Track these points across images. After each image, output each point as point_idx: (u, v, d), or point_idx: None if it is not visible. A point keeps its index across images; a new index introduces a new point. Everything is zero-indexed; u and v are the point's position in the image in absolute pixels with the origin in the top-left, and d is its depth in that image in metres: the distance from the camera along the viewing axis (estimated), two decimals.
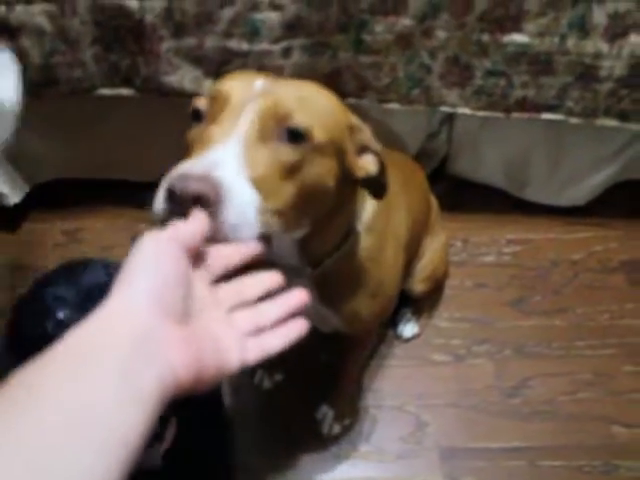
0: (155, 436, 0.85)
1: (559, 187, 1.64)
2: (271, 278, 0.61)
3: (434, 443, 1.32)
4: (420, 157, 1.60)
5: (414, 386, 1.40)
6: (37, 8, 1.19)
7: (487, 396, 1.39)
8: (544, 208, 1.69)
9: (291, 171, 0.64)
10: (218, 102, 0.66)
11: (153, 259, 0.49)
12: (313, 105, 0.68)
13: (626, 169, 1.61)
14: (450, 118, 1.54)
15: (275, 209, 0.62)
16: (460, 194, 1.69)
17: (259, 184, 0.60)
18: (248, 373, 1.38)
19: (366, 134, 0.74)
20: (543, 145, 1.56)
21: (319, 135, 0.65)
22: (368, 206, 0.86)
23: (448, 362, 1.44)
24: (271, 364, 1.37)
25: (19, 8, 1.18)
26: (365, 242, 0.87)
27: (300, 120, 0.64)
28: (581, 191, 1.65)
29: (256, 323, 0.56)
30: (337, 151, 0.69)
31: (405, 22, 1.24)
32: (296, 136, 0.64)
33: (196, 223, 0.54)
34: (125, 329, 0.44)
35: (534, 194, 1.68)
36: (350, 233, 0.84)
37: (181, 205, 0.56)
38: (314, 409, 1.34)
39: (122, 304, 0.46)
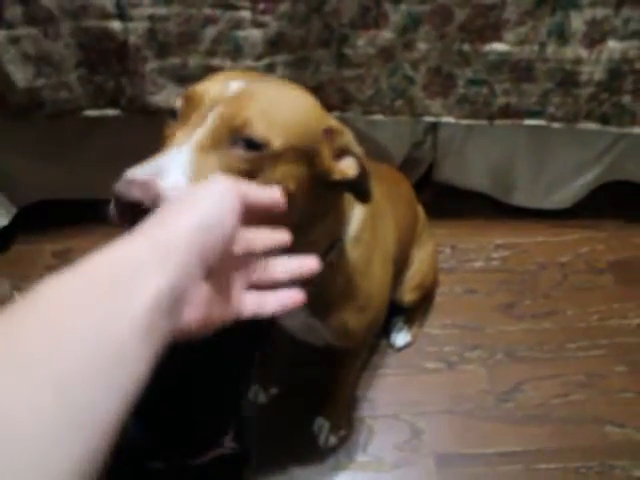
0: None
1: (545, 191, 1.66)
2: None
3: (430, 450, 1.33)
4: (406, 166, 1.62)
5: (408, 394, 1.41)
6: (20, 32, 1.19)
7: (481, 401, 1.40)
8: (531, 212, 1.71)
9: (245, 177, 0.63)
10: (191, 103, 0.67)
11: (217, 198, 0.48)
12: (279, 112, 0.67)
13: (610, 170, 1.63)
14: (434, 127, 1.55)
15: None
16: (447, 201, 1.71)
17: None
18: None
19: (346, 137, 0.73)
20: (527, 150, 1.58)
21: (277, 143, 0.65)
22: (354, 217, 0.86)
23: (441, 369, 1.45)
24: (266, 378, 1.37)
25: (2, 32, 1.19)
26: (352, 254, 0.87)
27: (256, 130, 0.64)
28: (567, 194, 1.67)
29: (261, 277, 0.56)
30: (303, 156, 0.69)
31: (386, 35, 1.25)
32: (252, 144, 0.64)
33: (268, 193, 0.55)
34: (159, 271, 0.42)
35: (520, 198, 1.70)
36: (336, 243, 0.84)
37: (124, 210, 0.57)
38: (310, 422, 1.35)
39: (164, 235, 0.44)
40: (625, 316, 1.54)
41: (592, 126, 1.43)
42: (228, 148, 0.63)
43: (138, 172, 0.58)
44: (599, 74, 1.33)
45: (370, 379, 1.43)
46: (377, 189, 0.84)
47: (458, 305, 1.55)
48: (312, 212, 0.74)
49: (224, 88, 0.67)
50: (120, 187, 0.56)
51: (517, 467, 1.31)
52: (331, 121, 0.73)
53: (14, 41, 1.20)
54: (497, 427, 1.37)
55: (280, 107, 0.67)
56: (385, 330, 1.48)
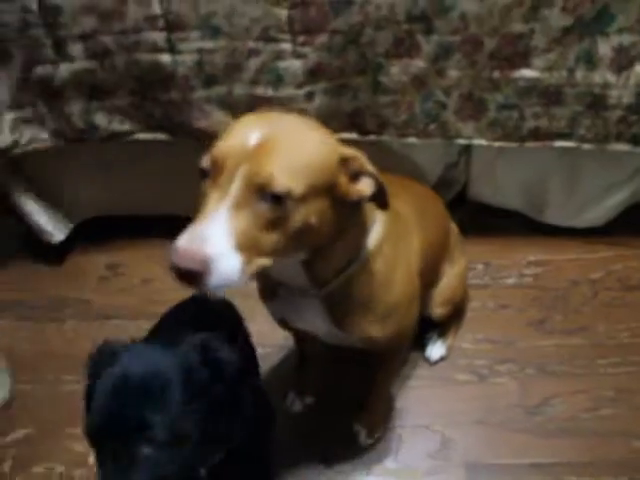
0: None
1: (577, 209, 1.70)
2: None
3: (460, 459, 1.38)
4: (440, 186, 1.68)
5: (440, 405, 1.46)
6: (79, 65, 1.30)
7: (511, 414, 1.44)
8: (563, 229, 1.75)
9: (275, 225, 0.73)
10: (218, 164, 0.74)
11: None
12: (297, 160, 0.75)
13: None
14: (468, 148, 1.61)
15: (261, 260, 0.74)
16: (481, 219, 1.76)
17: (244, 247, 0.72)
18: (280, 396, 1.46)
19: (358, 161, 0.81)
20: (559, 170, 1.62)
21: (299, 190, 0.73)
22: (374, 231, 0.93)
23: (472, 381, 1.50)
24: (302, 387, 1.44)
25: (63, 66, 1.30)
26: (373, 266, 0.94)
27: (279, 184, 0.71)
28: (598, 212, 1.70)
29: None
30: (323, 190, 0.77)
31: (419, 64, 1.32)
32: (277, 198, 0.72)
33: None
34: None
35: (553, 216, 1.74)
36: (357, 255, 0.91)
37: (181, 275, 0.70)
38: (344, 431, 1.41)
39: None
40: None
41: (623, 147, 1.47)
42: (256, 203, 0.72)
43: (186, 243, 0.70)
44: (627, 98, 1.37)
45: (403, 390, 1.49)
46: (404, 206, 0.92)
47: (490, 320, 1.60)
48: (334, 231, 0.82)
49: (244, 143, 0.74)
50: (174, 259, 0.69)
51: (546, 479, 1.34)
52: (343, 150, 0.81)
53: (74, 73, 1.31)
54: (527, 439, 1.41)
55: (298, 154, 0.75)
56: (420, 344, 1.54)
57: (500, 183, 1.69)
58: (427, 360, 1.54)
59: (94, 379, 0.83)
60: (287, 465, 1.38)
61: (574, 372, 1.51)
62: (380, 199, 0.85)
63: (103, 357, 0.86)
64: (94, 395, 0.81)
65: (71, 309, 1.65)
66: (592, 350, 1.54)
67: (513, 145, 1.47)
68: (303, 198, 0.74)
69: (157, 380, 0.81)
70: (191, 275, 0.69)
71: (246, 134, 0.74)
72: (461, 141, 1.47)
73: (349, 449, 1.39)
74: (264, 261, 0.75)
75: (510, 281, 1.68)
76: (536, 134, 1.45)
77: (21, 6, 1.21)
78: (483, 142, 1.47)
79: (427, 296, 1.37)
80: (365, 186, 0.82)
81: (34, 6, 1.21)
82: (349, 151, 0.81)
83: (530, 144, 1.47)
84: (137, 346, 0.90)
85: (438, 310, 1.41)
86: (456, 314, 1.53)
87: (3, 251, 1.82)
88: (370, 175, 0.81)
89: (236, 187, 0.72)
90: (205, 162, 0.76)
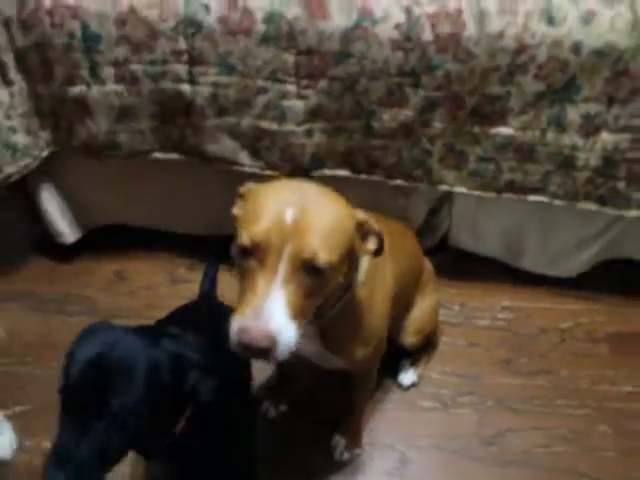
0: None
1: (551, 259, 1.83)
2: None
3: (416, 479, 1.48)
4: (424, 230, 1.82)
5: (404, 428, 1.57)
6: (109, 88, 1.49)
7: (468, 442, 1.54)
8: (538, 279, 1.87)
9: (315, 291, 0.88)
10: (261, 246, 0.85)
11: None
12: (332, 235, 0.88)
13: (611, 248, 1.79)
14: (450, 196, 1.76)
15: (305, 320, 0.89)
16: (461, 263, 1.90)
17: (296, 315, 0.86)
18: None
19: (369, 223, 0.97)
20: (535, 221, 1.76)
21: (335, 260, 0.88)
22: (362, 266, 1.08)
23: (436, 408, 1.61)
24: (277, 396, 1.57)
25: (95, 88, 1.49)
26: (359, 293, 1.09)
27: (322, 259, 0.85)
28: (571, 264, 1.83)
29: None
30: (347, 253, 0.92)
31: (407, 113, 1.49)
32: (318, 270, 0.86)
33: None
34: None
35: (529, 264, 1.87)
36: (349, 288, 1.06)
37: (247, 350, 0.84)
38: (316, 438, 1.52)
39: None
40: (615, 383, 1.67)
41: (591, 206, 1.61)
42: (301, 276, 0.86)
43: (250, 322, 0.83)
44: (594, 160, 1.51)
45: (374, 411, 1.60)
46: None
47: (459, 356, 1.72)
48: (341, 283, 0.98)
49: (282, 223, 0.85)
50: (244, 339, 0.83)
51: None
52: (358, 215, 0.96)
53: (105, 94, 1.50)
54: (480, 467, 1.51)
55: (330, 228, 0.88)
56: (393, 370, 1.66)
57: (480, 231, 1.83)
58: (399, 385, 1.66)
59: (77, 347, 0.94)
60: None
61: (532, 410, 1.61)
62: (379, 251, 1.00)
63: (89, 333, 0.96)
64: (71, 362, 0.92)
65: (78, 305, 1.81)
66: (552, 391, 1.65)
67: (491, 195, 1.62)
68: (337, 266, 0.89)
69: (126, 367, 0.91)
70: (261, 351, 0.83)
71: (280, 214, 0.85)
72: (444, 187, 1.62)
73: (319, 457, 1.51)
74: (304, 322, 0.89)
75: (483, 322, 1.80)
76: (512, 187, 1.60)
77: (68, 32, 1.41)
78: (464, 190, 1.62)
79: (400, 325, 1.51)
80: (372, 244, 0.98)
81: (78, 33, 1.41)
82: (362, 215, 0.96)
83: (506, 195, 1.61)
84: (122, 332, 0.98)
85: (410, 339, 1.54)
86: (427, 345, 1.66)
87: (21, 248, 1.99)
88: (377, 235, 0.98)
89: (284, 265, 0.84)
90: (246, 241, 0.86)
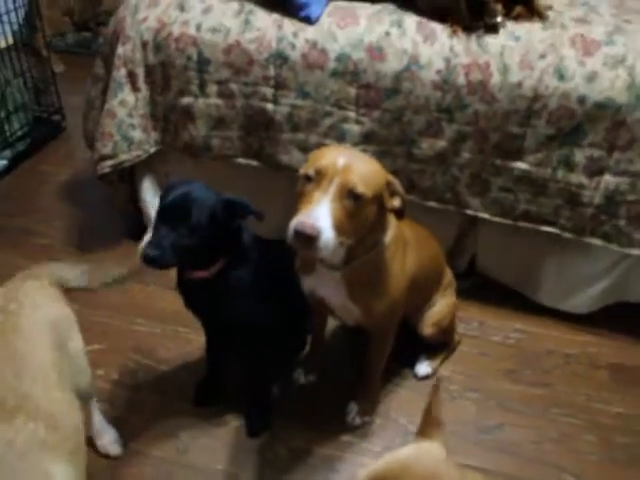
0: None
1: (564, 294, 2.07)
2: None
3: None
4: (453, 253, 2.12)
5: (412, 408, 1.80)
6: (212, 101, 1.92)
7: (468, 428, 1.77)
8: (554, 311, 2.11)
9: (352, 216, 1.25)
10: (320, 173, 1.25)
11: None
12: (367, 176, 1.27)
13: (619, 287, 2.01)
14: (475, 224, 2.05)
15: (343, 238, 1.25)
16: (484, 287, 2.18)
17: (336, 227, 1.22)
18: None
19: (396, 185, 1.34)
20: (550, 256, 2.02)
21: (369, 194, 1.25)
22: (388, 233, 1.42)
23: (443, 399, 1.83)
24: (309, 365, 1.86)
25: (201, 100, 1.92)
26: (382, 256, 1.42)
27: (359, 190, 1.24)
28: (582, 300, 2.06)
29: None
30: (378, 199, 1.30)
31: (442, 143, 1.83)
32: (357, 197, 1.23)
33: None
34: None
35: (544, 297, 2.11)
36: (376, 246, 1.40)
37: (298, 238, 1.18)
38: (334, 405, 1.79)
39: None
40: (609, 403, 1.87)
41: (597, 242, 1.87)
42: (344, 199, 1.24)
43: (305, 219, 1.19)
44: (598, 199, 1.79)
45: (388, 393, 1.86)
46: (409, 232, 1.50)
47: (471, 361, 1.97)
48: (373, 226, 1.34)
49: (335, 163, 1.25)
50: (298, 226, 1.18)
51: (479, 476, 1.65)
52: (388, 176, 1.34)
53: (207, 106, 1.93)
54: (475, 449, 1.72)
55: (367, 174, 1.27)
56: (412, 362, 1.93)
57: (501, 261, 2.10)
58: (414, 375, 1.92)
59: (169, 189, 1.40)
60: (282, 425, 1.76)
61: (528, 412, 1.83)
62: (401, 212, 1.38)
63: (178, 181, 1.43)
64: (166, 196, 1.39)
65: (156, 278, 2.18)
66: (549, 401, 1.86)
67: (509, 222, 1.91)
68: (370, 200, 1.27)
69: (199, 202, 1.36)
70: (308, 239, 1.17)
71: (335, 159, 1.26)
72: (469, 212, 1.93)
73: (334, 421, 1.77)
74: (342, 239, 1.25)
75: (496, 338, 2.05)
76: (527, 216, 1.89)
77: (187, 55, 1.87)
78: (486, 216, 1.92)
79: (420, 317, 1.80)
80: (396, 202, 1.36)
81: (194, 56, 1.87)
82: (391, 177, 1.35)
83: (522, 224, 1.90)
84: (199, 183, 1.43)
85: (428, 329, 1.81)
86: (444, 345, 1.92)
87: (118, 232, 2.41)
88: (400, 195, 1.35)
89: (333, 189, 1.23)
90: (310, 170, 1.25)
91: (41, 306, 1.28)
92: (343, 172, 1.23)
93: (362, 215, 1.27)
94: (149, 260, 1.33)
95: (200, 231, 1.36)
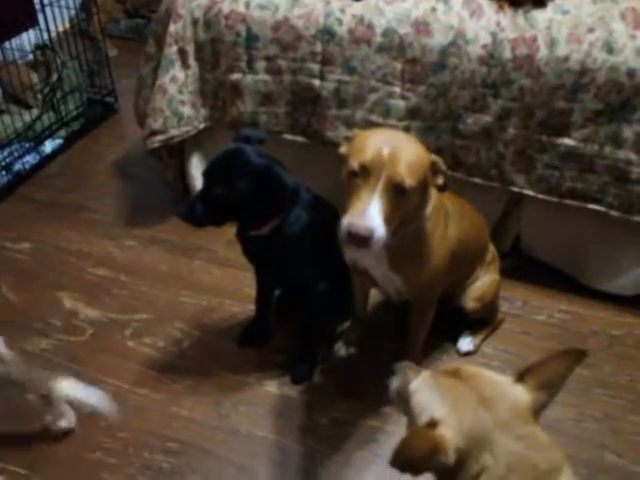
0: None
1: (609, 276, 2.04)
2: None
3: None
4: (497, 231, 2.11)
5: None
6: (260, 77, 1.96)
7: None
8: (600, 293, 2.08)
9: (400, 207, 1.27)
10: (366, 169, 1.24)
11: None
12: (414, 166, 1.27)
13: None
14: (520, 203, 2.04)
15: (392, 226, 1.27)
16: (529, 267, 2.17)
17: (386, 221, 1.24)
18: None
19: (439, 164, 1.35)
20: (596, 236, 1.99)
21: (415, 185, 1.26)
22: (430, 206, 1.43)
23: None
24: (350, 339, 1.89)
25: (249, 76, 1.97)
26: (424, 227, 1.44)
27: (407, 184, 1.24)
28: (628, 282, 2.02)
29: None
30: (423, 182, 1.31)
31: (487, 119, 1.83)
32: (404, 191, 1.25)
33: None
34: None
35: (590, 279, 2.08)
36: (418, 217, 1.41)
37: (352, 239, 1.21)
38: (377, 378, 1.81)
39: None
40: None
41: None
42: (392, 194, 1.25)
43: (356, 219, 1.21)
44: None
45: (430, 366, 1.87)
46: (451, 206, 1.52)
47: (513, 339, 1.97)
48: (417, 207, 1.36)
49: (380, 155, 1.23)
50: (351, 228, 1.21)
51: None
52: (431, 156, 1.35)
53: (255, 82, 1.97)
54: None
55: (413, 162, 1.27)
56: (455, 339, 1.94)
57: (547, 241, 2.09)
58: (457, 351, 1.93)
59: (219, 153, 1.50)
60: (323, 396, 1.80)
61: (572, 391, 1.81)
62: (444, 187, 1.38)
63: (228, 146, 1.51)
64: (212, 158, 1.50)
65: (202, 253, 2.26)
66: (593, 381, 1.85)
67: (555, 200, 1.89)
68: (416, 189, 1.28)
69: (241, 166, 1.44)
70: (362, 239, 1.21)
71: (379, 149, 1.24)
72: (514, 189, 1.93)
73: (372, 391, 1.80)
74: (390, 228, 1.26)
75: (540, 318, 2.04)
76: (573, 194, 1.87)
77: (236, 32, 1.91)
78: (531, 193, 1.91)
79: (462, 291, 1.80)
80: (440, 180, 1.37)
81: (243, 33, 1.91)
82: (435, 157, 1.35)
83: (568, 201, 1.88)
84: (247, 148, 1.49)
85: (470, 304, 1.82)
86: (487, 323, 1.93)
87: (163, 211, 2.45)
88: (444, 173, 1.36)
89: (380, 185, 1.23)
90: (355, 166, 1.24)
91: None
92: (389, 165, 1.22)
93: (409, 204, 1.29)
94: (181, 217, 1.44)
95: (231, 193, 1.42)
